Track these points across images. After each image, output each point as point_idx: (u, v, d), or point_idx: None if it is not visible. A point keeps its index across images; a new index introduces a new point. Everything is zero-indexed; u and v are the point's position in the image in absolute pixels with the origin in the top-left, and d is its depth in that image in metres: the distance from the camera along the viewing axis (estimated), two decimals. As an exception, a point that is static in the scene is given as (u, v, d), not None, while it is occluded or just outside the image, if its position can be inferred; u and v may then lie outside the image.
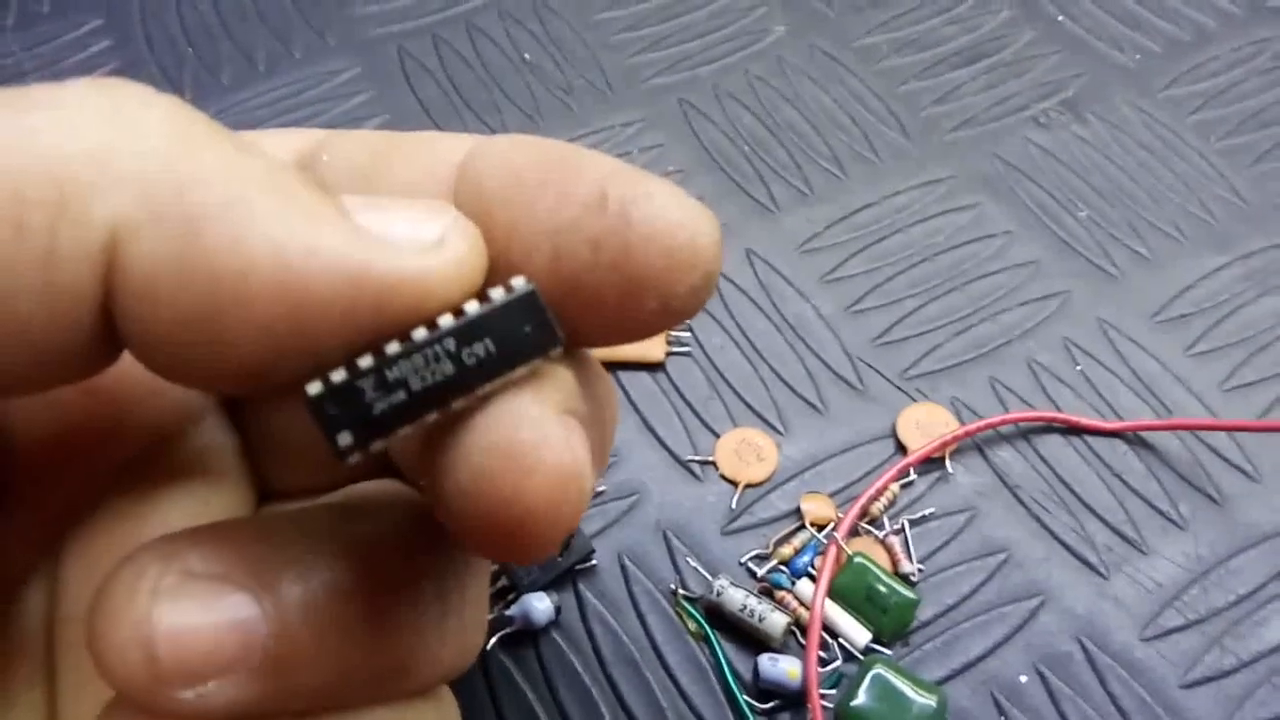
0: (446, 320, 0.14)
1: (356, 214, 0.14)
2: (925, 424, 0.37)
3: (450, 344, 0.13)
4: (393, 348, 0.13)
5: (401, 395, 0.13)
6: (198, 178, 0.13)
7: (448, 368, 0.13)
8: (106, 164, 0.12)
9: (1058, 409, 0.38)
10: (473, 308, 0.14)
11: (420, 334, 0.13)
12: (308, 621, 0.14)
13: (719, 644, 0.32)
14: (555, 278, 0.14)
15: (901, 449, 0.36)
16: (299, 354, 0.13)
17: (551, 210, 0.14)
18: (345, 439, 0.13)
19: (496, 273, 0.15)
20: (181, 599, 0.14)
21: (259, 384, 0.14)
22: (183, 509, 0.18)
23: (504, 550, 0.14)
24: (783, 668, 0.30)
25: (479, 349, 0.14)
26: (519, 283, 0.14)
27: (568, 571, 0.33)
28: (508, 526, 0.13)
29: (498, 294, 0.14)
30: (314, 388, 0.13)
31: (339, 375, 0.13)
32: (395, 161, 0.16)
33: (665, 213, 0.14)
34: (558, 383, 0.14)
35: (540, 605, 0.31)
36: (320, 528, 0.15)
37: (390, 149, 0.16)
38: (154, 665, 0.13)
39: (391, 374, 0.13)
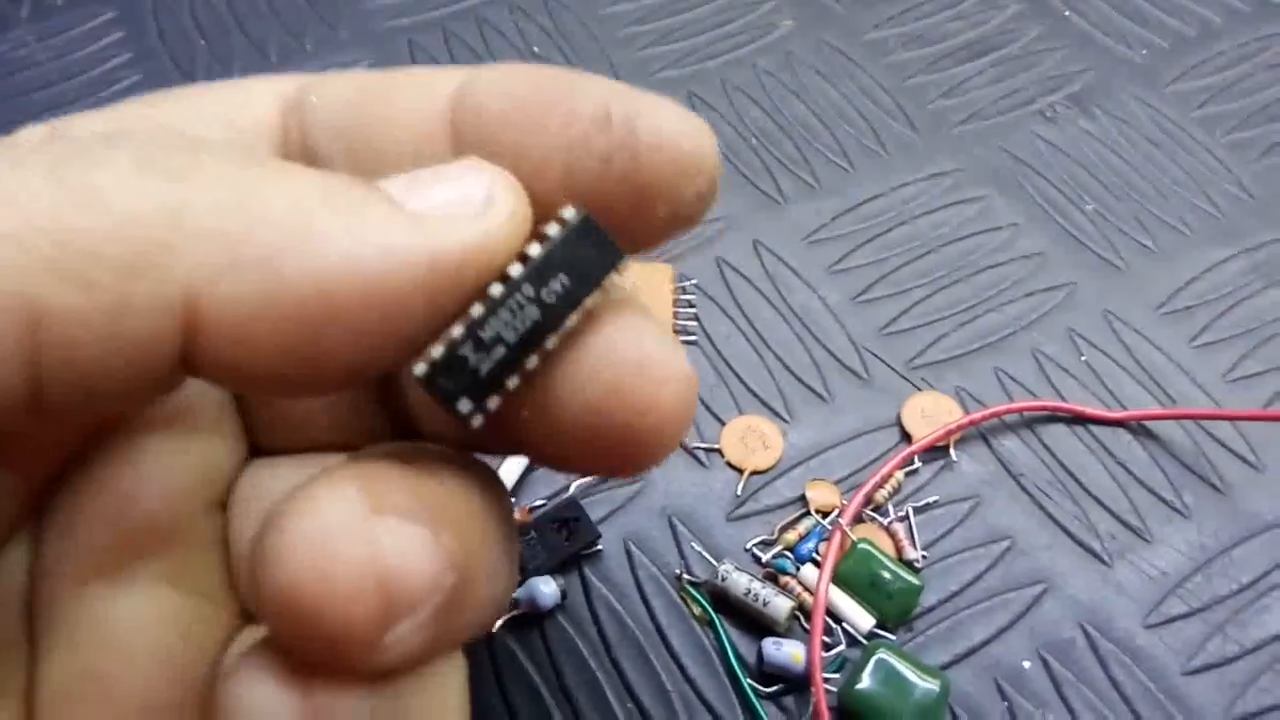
0: (516, 269, 0.14)
1: (405, 197, 0.14)
2: (930, 413, 0.37)
3: (529, 290, 0.14)
4: (478, 310, 0.14)
5: (501, 350, 0.14)
6: (263, 216, 0.13)
7: (533, 311, 0.14)
8: (179, 220, 0.12)
9: (1062, 399, 0.38)
10: (535, 250, 0.14)
11: (497, 290, 0.14)
12: (471, 557, 0.14)
13: (723, 628, 0.32)
14: (568, 194, 0.15)
15: (906, 437, 0.36)
16: (394, 346, 0.14)
17: (560, 129, 0.15)
18: (465, 405, 0.14)
19: None
20: (400, 528, 0.13)
21: (360, 382, 0.14)
22: (172, 464, 0.17)
23: (628, 460, 0.15)
24: (787, 651, 0.31)
25: (555, 285, 0.14)
26: (570, 213, 0.14)
27: (573, 556, 0.33)
28: (640, 436, 0.14)
29: (553, 230, 0.14)
30: (420, 368, 0.14)
31: (439, 350, 0.14)
32: (387, 96, 0.16)
33: (669, 124, 0.15)
34: (645, 309, 0.15)
35: (546, 589, 0.32)
36: (440, 467, 0.15)
37: (380, 85, 0.17)
38: (387, 599, 0.13)
39: (486, 334, 0.14)
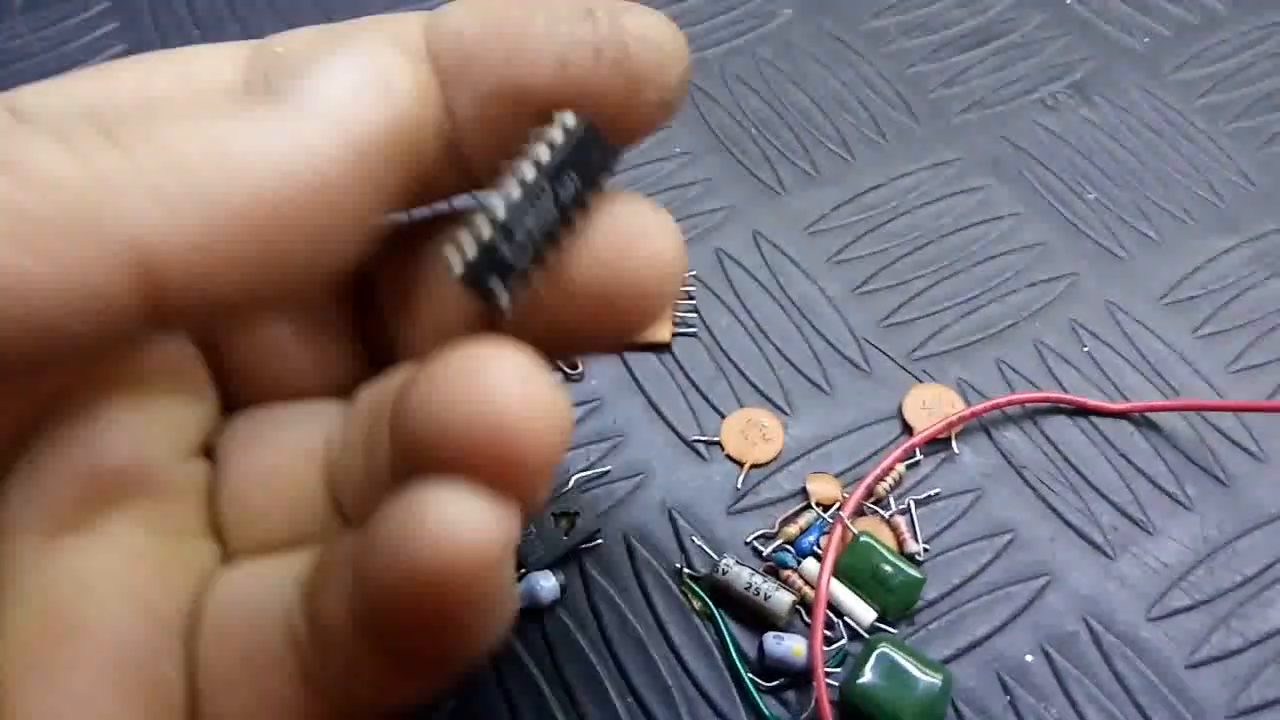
0: (530, 171, 0.16)
1: (306, 92, 0.15)
2: (932, 405, 0.37)
3: (548, 188, 0.16)
4: (502, 209, 0.16)
5: (527, 244, 0.16)
6: (180, 158, 0.14)
7: (550, 208, 0.16)
8: (106, 183, 0.13)
9: (1064, 390, 0.38)
10: (545, 153, 0.16)
11: (516, 191, 0.16)
12: None
13: (724, 622, 0.32)
14: (564, 84, 0.16)
15: (908, 430, 0.36)
16: (347, 234, 0.15)
17: (547, 28, 0.16)
18: (503, 296, 0.16)
19: (507, 95, 0.17)
20: (551, 381, 0.15)
21: (328, 276, 0.15)
22: (141, 418, 0.18)
23: (638, 314, 0.17)
24: (788, 645, 0.30)
25: (568, 184, 0.16)
26: (571, 119, 0.16)
27: (573, 551, 0.33)
28: (649, 289, 0.16)
29: (558, 134, 0.16)
30: (458, 265, 0.15)
31: (472, 248, 0.15)
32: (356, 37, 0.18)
33: (649, 17, 0.17)
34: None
35: (545, 584, 0.32)
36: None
37: (347, 28, 0.18)
38: (564, 434, 0.15)
39: (516, 231, 0.16)
